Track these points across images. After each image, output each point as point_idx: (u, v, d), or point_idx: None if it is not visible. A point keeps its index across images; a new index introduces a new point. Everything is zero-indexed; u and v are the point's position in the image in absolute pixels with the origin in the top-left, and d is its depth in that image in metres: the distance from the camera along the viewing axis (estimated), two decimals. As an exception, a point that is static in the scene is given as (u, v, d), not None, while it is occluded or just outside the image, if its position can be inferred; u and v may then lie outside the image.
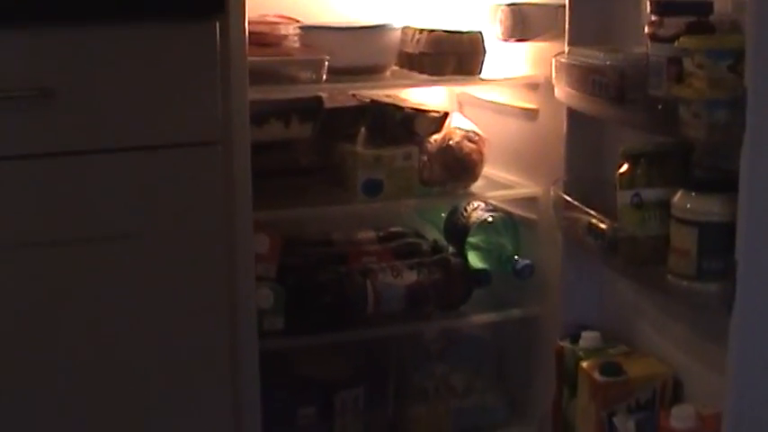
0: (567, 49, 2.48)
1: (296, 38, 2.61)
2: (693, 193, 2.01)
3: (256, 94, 2.36)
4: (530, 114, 2.73)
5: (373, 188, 2.62)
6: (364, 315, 2.64)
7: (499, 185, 2.81)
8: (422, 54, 2.65)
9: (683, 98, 1.96)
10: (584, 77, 2.26)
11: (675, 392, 2.30)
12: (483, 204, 2.84)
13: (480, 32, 2.68)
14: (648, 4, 2.09)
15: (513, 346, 2.84)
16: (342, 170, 2.67)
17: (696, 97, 1.93)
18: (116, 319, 2.22)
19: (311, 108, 2.63)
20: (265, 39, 2.54)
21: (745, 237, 1.92)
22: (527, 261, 2.72)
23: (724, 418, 1.99)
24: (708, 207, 1.98)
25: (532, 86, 2.71)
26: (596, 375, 2.29)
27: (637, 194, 2.13)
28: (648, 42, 2.09)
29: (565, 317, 2.61)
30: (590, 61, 2.23)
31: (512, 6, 2.68)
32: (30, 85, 2.09)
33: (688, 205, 2.01)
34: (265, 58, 2.47)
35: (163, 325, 2.25)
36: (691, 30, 2.02)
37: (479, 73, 2.69)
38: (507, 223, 2.81)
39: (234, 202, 2.31)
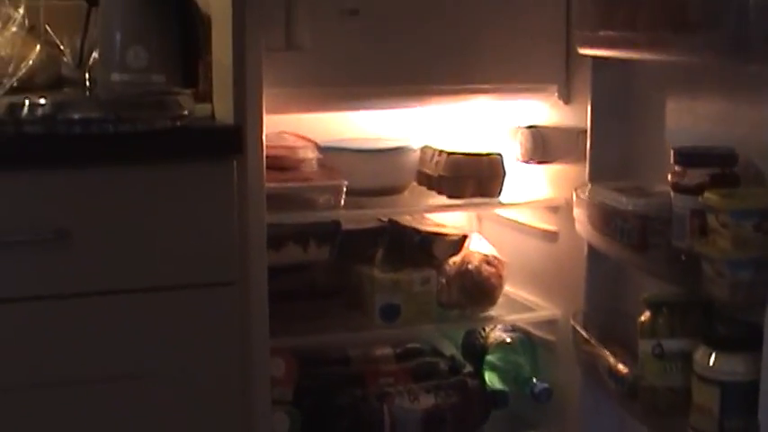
0: (587, 178, 2.44)
1: (314, 160, 2.58)
2: (715, 351, 1.97)
3: (274, 219, 2.33)
4: (549, 236, 2.71)
5: (391, 313, 2.61)
6: (381, 439, 2.60)
7: (518, 305, 2.78)
8: (441, 177, 2.63)
9: (706, 255, 1.92)
10: (606, 219, 2.24)
11: None
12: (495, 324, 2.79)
13: (500, 154, 2.66)
14: (672, 153, 2.06)
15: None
16: (360, 293, 2.65)
17: (719, 256, 1.89)
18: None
19: (329, 231, 2.62)
20: (284, 163, 2.53)
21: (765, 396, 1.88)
22: (545, 385, 2.70)
23: None
24: (731, 366, 1.95)
25: (552, 209, 2.67)
26: None
27: (658, 345, 2.11)
28: (672, 192, 2.06)
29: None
30: (612, 204, 2.20)
31: (532, 129, 2.67)
32: (46, 227, 2.08)
33: (710, 363, 1.98)
34: (284, 185, 2.46)
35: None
36: (714, 183, 2.00)
37: (499, 195, 2.67)
38: (525, 344, 2.79)
39: (250, 332, 2.28)
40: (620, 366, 2.25)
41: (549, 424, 2.74)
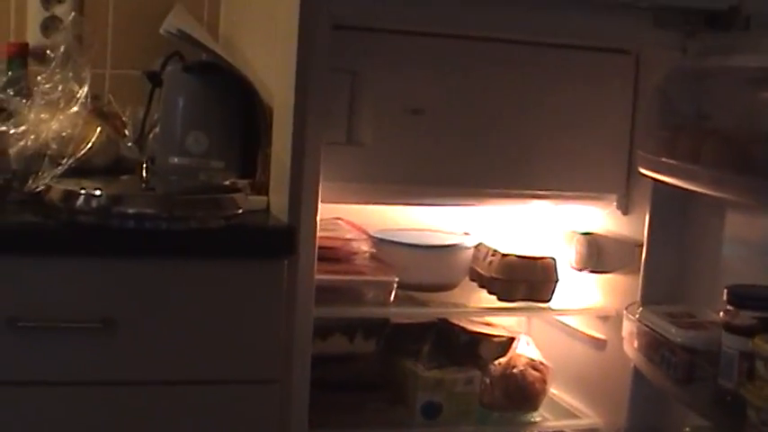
0: (639, 293, 2.41)
1: (367, 252, 2.58)
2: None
3: (322, 313, 2.34)
4: (598, 344, 2.69)
5: (432, 411, 2.60)
6: None
7: (560, 410, 2.77)
8: (493, 278, 2.61)
9: (751, 401, 1.90)
10: (653, 346, 2.22)
11: None
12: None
13: (554, 259, 2.64)
14: (725, 292, 2.03)
15: None
16: (402, 388, 2.65)
17: (765, 405, 1.86)
18: None
19: (377, 325, 2.62)
20: (336, 254, 2.53)
21: None
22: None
23: None
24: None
25: (602, 318, 2.65)
26: None
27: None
28: (723, 331, 2.03)
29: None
30: (661, 332, 2.18)
31: (588, 236, 2.65)
32: (94, 315, 2.10)
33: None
34: (333, 278, 2.46)
35: None
36: (766, 327, 1.96)
37: (550, 299, 2.64)
38: (567, 449, 2.75)
39: (289, 424, 2.28)
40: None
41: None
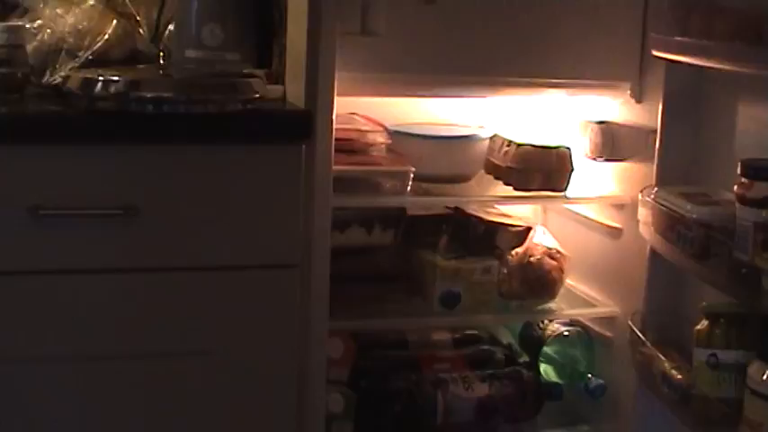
0: (654, 179, 2.43)
1: (383, 144, 2.59)
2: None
3: (340, 202, 2.36)
4: (614, 232, 2.71)
5: (451, 300, 2.62)
6: (433, 426, 2.64)
7: (578, 300, 2.79)
8: (509, 168, 2.63)
9: (766, 270, 1.92)
10: (669, 225, 2.24)
11: None
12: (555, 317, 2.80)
13: (569, 148, 2.65)
14: (739, 165, 2.05)
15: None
16: (421, 279, 2.67)
17: (775, 274, 1.89)
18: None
19: (394, 216, 2.63)
20: (353, 146, 2.54)
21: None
22: (600, 381, 2.72)
23: None
24: (785, 384, 1.94)
25: (618, 206, 2.67)
26: None
27: (713, 355, 2.11)
28: (737, 204, 2.05)
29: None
30: (676, 210, 2.20)
31: (602, 125, 2.65)
32: (115, 202, 2.12)
33: (764, 378, 1.97)
34: (351, 169, 2.47)
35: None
36: (781, 199, 1.98)
37: (566, 189, 2.66)
38: (583, 339, 2.80)
39: (310, 314, 2.30)
40: (674, 372, 2.26)
41: (601, 420, 2.75)
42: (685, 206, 2.19)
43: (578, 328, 2.82)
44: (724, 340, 2.12)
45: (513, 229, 2.72)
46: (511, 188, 2.69)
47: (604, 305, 2.76)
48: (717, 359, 2.11)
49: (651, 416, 2.55)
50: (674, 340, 2.42)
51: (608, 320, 2.75)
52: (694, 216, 2.16)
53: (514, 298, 2.71)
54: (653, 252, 2.46)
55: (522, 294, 2.70)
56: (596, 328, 2.81)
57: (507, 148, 2.67)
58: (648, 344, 2.36)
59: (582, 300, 2.80)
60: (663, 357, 2.32)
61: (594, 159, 2.69)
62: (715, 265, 2.12)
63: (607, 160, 2.68)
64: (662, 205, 2.28)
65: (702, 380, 2.14)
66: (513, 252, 2.71)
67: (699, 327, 2.16)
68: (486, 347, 2.85)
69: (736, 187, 2.07)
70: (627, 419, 2.66)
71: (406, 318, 2.65)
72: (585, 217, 2.81)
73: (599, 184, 2.72)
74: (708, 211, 2.16)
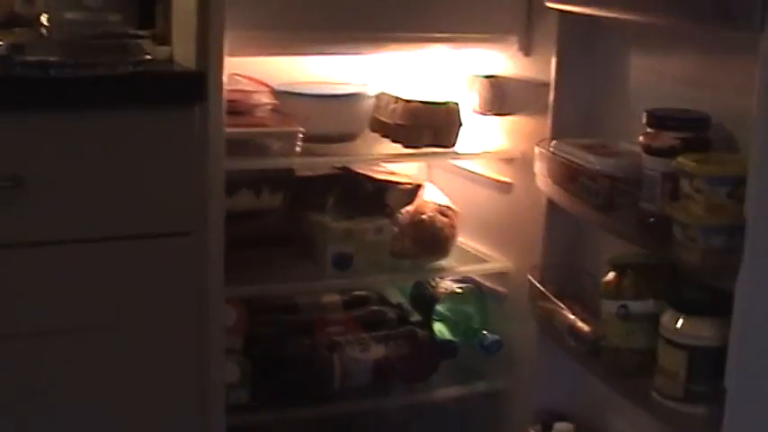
0: (549, 132, 2.42)
1: (269, 105, 2.52)
2: (683, 315, 1.96)
3: (230, 165, 2.29)
4: (504, 187, 2.69)
5: (343, 262, 2.57)
6: (331, 390, 2.59)
7: (470, 257, 2.76)
8: (397, 125, 2.58)
9: (677, 219, 1.91)
10: (570, 177, 2.22)
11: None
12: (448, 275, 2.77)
13: (457, 104, 2.61)
14: (644, 115, 2.03)
15: (481, 421, 2.78)
16: (311, 242, 2.61)
17: (692, 222, 1.88)
18: (88, 406, 2.18)
19: (282, 178, 2.56)
20: (239, 107, 2.46)
21: (737, 364, 1.88)
22: (496, 337, 2.69)
23: None
24: (698, 331, 1.96)
25: (507, 160, 2.65)
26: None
27: (623, 306, 2.10)
28: (643, 154, 2.04)
29: (535, 399, 2.56)
30: (578, 161, 2.18)
31: (492, 79, 2.62)
32: (1, 174, 1.98)
33: (677, 327, 1.97)
34: (239, 130, 2.40)
35: (136, 405, 2.22)
36: (687, 147, 1.98)
37: (454, 144, 2.62)
38: (476, 295, 2.78)
39: (207, 282, 2.24)
40: (581, 325, 2.24)
41: (497, 376, 2.73)
42: (588, 158, 2.17)
43: (471, 286, 2.79)
44: (633, 291, 2.11)
45: (403, 186, 2.68)
46: (399, 146, 2.61)
47: (497, 261, 2.74)
48: (627, 310, 2.10)
49: (552, 371, 2.53)
50: (574, 294, 2.40)
51: (501, 276, 2.74)
52: (598, 167, 2.14)
53: (407, 257, 2.67)
54: (550, 205, 2.45)
55: (415, 253, 2.67)
56: (489, 284, 2.79)
57: (395, 105, 2.62)
58: (551, 296, 2.33)
59: (474, 256, 2.77)
60: (567, 310, 2.30)
61: (483, 114, 2.66)
62: (621, 215, 2.10)
63: (496, 115, 2.65)
64: (562, 157, 2.24)
65: (613, 331, 2.12)
66: (404, 210, 2.66)
67: (606, 278, 2.15)
68: (377, 308, 2.81)
69: (641, 137, 2.07)
70: (524, 375, 2.66)
71: (299, 282, 2.59)
72: (475, 173, 2.79)
73: (488, 139, 2.68)
74: (612, 162, 2.14)
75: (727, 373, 1.89)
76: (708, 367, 1.94)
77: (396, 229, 2.63)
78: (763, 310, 1.88)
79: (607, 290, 2.13)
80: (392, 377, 2.64)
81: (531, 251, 2.58)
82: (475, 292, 2.77)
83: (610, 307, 2.12)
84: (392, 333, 2.68)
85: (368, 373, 2.61)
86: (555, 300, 2.32)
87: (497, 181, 2.70)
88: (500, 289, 2.74)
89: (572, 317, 2.27)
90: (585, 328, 2.21)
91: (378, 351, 2.63)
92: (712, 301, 1.96)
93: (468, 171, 2.79)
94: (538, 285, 2.39)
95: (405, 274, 2.72)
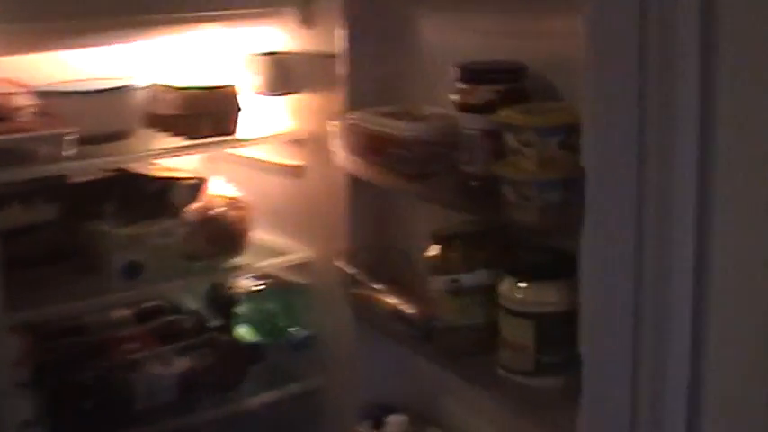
0: (345, 106, 2.24)
1: (31, 107, 2.25)
2: (524, 282, 1.80)
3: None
4: (295, 171, 2.51)
5: (133, 271, 2.35)
6: (134, 412, 2.36)
7: (266, 251, 2.56)
8: (174, 116, 2.36)
9: (507, 178, 1.74)
10: (376, 148, 2.05)
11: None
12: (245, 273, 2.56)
13: (234, 86, 2.39)
14: (455, 71, 1.87)
15: (300, 425, 2.58)
16: (94, 253, 2.37)
17: (524, 178, 1.72)
18: None
19: (55, 187, 2.31)
20: (-4, 113, 2.19)
21: (590, 327, 1.73)
22: (305, 333, 2.52)
23: None
24: (543, 297, 1.81)
25: (297, 142, 2.45)
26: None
27: (454, 280, 1.93)
28: (459, 113, 1.87)
29: (358, 395, 2.40)
30: (386, 130, 2.00)
31: (272, 57, 2.42)
32: None
33: (520, 295, 1.80)
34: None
35: None
36: (505, 100, 1.82)
37: (235, 131, 2.40)
38: (277, 291, 2.59)
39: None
40: (407, 307, 2.06)
41: (312, 374, 2.54)
42: (397, 125, 2.00)
43: (270, 281, 2.58)
44: (463, 263, 1.95)
45: (187, 182, 2.47)
46: (179, 139, 2.38)
47: (296, 251, 2.54)
48: (459, 284, 1.94)
49: (374, 361, 2.36)
50: (388, 276, 2.22)
51: (302, 267, 2.54)
52: (409, 134, 1.97)
53: (201, 258, 2.47)
54: (352, 183, 2.27)
55: (209, 252, 2.46)
56: (290, 278, 2.58)
57: (169, 96, 2.40)
58: (369, 282, 2.15)
59: (271, 250, 2.57)
60: (387, 294, 2.12)
61: (267, 95, 2.45)
62: (440, 182, 1.93)
63: (281, 94, 2.46)
64: (366, 128, 2.06)
65: (446, 309, 1.97)
66: (192, 208, 2.43)
67: (430, 253, 1.97)
68: (172, 318, 2.59)
69: (455, 95, 1.90)
70: (342, 370, 2.46)
71: (87, 299, 2.33)
72: (262, 160, 2.59)
73: (274, 122, 2.49)
74: (424, 126, 1.98)
75: (581, 339, 1.74)
76: (557, 335, 1.81)
77: (185, 230, 2.39)
78: (610, 265, 1.73)
79: (433, 265, 1.96)
80: (200, 390, 2.43)
81: (334, 236, 2.42)
82: (276, 288, 2.56)
83: (439, 283, 1.96)
84: (193, 342, 2.47)
85: (173, 388, 2.41)
86: (373, 284, 2.13)
87: (287, 166, 2.52)
88: (303, 281, 2.53)
89: (394, 300, 2.08)
90: (413, 310, 2.03)
91: (181, 364, 2.42)
92: (553, 263, 1.81)
93: (255, 159, 2.59)
94: (350, 271, 2.20)
95: (200, 277, 2.49)
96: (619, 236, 1.73)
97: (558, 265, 1.81)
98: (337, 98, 2.29)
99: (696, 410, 1.78)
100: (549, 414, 1.92)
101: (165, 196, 2.43)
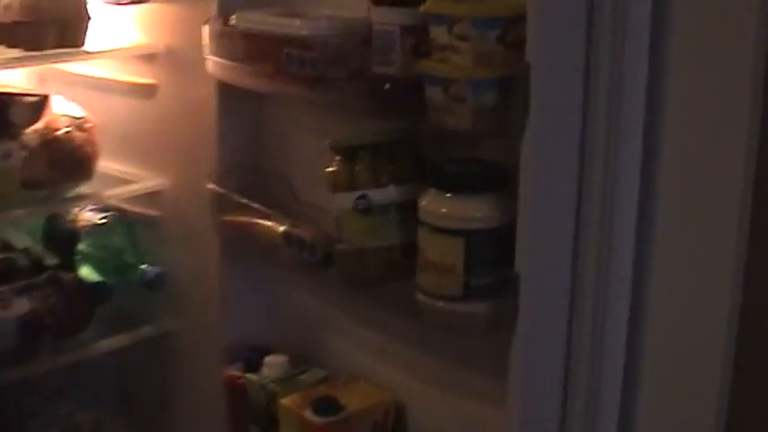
0: (215, 11, 1.97)
1: None
2: (451, 195, 1.60)
3: None
4: (146, 91, 2.25)
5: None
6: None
7: (111, 180, 2.29)
8: (14, 24, 2.07)
9: (437, 77, 1.54)
10: (267, 52, 1.80)
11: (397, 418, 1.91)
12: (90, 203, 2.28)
13: (82, -7, 2.12)
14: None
15: (153, 373, 2.32)
16: None
17: (459, 76, 1.52)
18: None
19: None
20: None
21: (528, 243, 1.54)
22: (157, 269, 2.25)
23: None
24: (474, 211, 1.61)
25: (148, 58, 2.19)
26: (310, 416, 1.86)
27: (362, 197, 1.71)
28: (372, 7, 1.66)
29: (225, 335, 2.14)
30: (279, 30, 1.77)
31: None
32: None
33: (446, 210, 1.60)
34: None
35: None
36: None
37: (84, 44, 2.13)
38: (124, 224, 2.33)
39: None
40: (301, 230, 1.83)
41: (166, 315, 2.29)
42: (293, 23, 1.75)
43: (115, 213, 2.32)
44: (372, 177, 1.74)
45: (28, 99, 2.18)
46: (18, 51, 2.10)
47: (147, 179, 2.26)
48: (368, 201, 1.71)
49: (244, 297, 2.14)
50: (261, 200, 1.98)
51: (153, 197, 2.27)
52: (308, 32, 1.74)
53: (42, 185, 2.19)
54: (223, 100, 2.02)
55: (52, 178, 2.19)
56: (137, 210, 2.31)
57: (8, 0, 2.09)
58: (255, 205, 1.92)
59: (116, 179, 2.29)
60: (270, 218, 1.89)
61: (116, 4, 2.19)
62: (345, 86, 1.70)
63: (131, 3, 2.19)
64: (253, 30, 1.82)
65: (352, 230, 1.75)
66: (33, 129, 2.14)
67: (332, 168, 1.75)
68: (2, 256, 2.27)
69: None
70: (201, 308, 2.24)
71: None
72: (107, 78, 2.31)
73: (121, 35, 2.23)
74: (326, 24, 1.74)
75: (517, 258, 1.55)
76: (488, 255, 1.61)
77: (25, 153, 2.10)
78: (553, 175, 1.54)
79: (336, 182, 1.75)
80: (42, 333, 2.15)
81: (190, 163, 2.21)
82: (122, 220, 2.33)
83: (343, 201, 1.74)
84: (34, 282, 2.20)
85: (13, 333, 2.14)
86: (253, 207, 1.89)
87: (137, 85, 2.25)
88: (153, 213, 2.28)
89: (281, 224, 1.85)
90: (308, 233, 1.80)
91: (21, 306, 2.15)
92: (481, 175, 1.62)
93: (97, 78, 2.31)
94: (221, 190, 1.96)
95: (40, 208, 2.21)
96: (563, 142, 1.55)
97: (486, 178, 1.61)
98: (197, 7, 2.01)
99: (637, 332, 1.65)
100: (458, 345, 1.74)
101: (4, 114, 2.14)
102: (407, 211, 1.70)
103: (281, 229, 1.87)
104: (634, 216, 1.60)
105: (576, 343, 1.64)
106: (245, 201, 1.96)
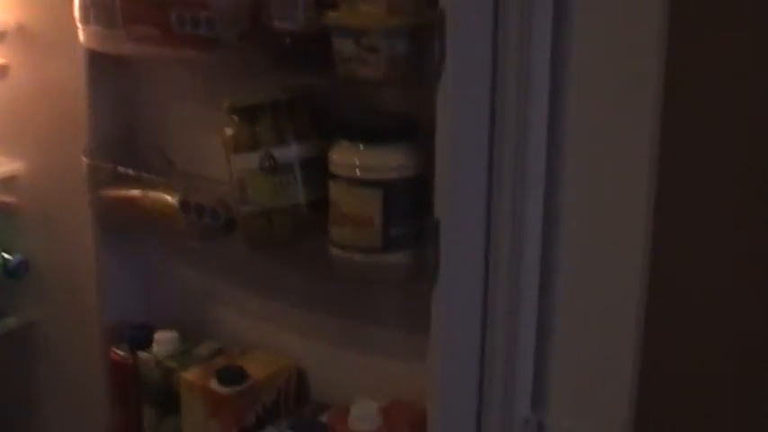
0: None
1: None
2: (362, 146, 1.60)
3: None
4: (-3, 71, 2.14)
5: None
6: None
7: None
8: None
9: (348, 28, 1.53)
10: (153, 13, 1.75)
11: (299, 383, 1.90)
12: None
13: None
14: None
15: (20, 364, 2.23)
16: None
17: (374, 26, 1.52)
18: None
19: None
20: None
21: (447, 191, 1.55)
22: (19, 257, 2.17)
23: (430, 404, 1.66)
24: (390, 161, 1.60)
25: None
26: (216, 386, 1.82)
27: (267, 156, 1.68)
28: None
29: (102, 316, 2.07)
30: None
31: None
32: None
33: (362, 161, 1.59)
34: None
35: None
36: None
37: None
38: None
39: None
40: (199, 197, 1.79)
41: (31, 305, 2.20)
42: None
43: (-33, 202, 2.21)
44: (275, 134, 1.71)
45: None
46: None
47: (1, 164, 2.17)
48: (273, 160, 1.68)
49: (119, 275, 2.08)
50: (142, 168, 1.93)
51: (8, 183, 2.18)
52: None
53: None
54: (93, 69, 1.95)
55: None
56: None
57: None
58: (143, 174, 1.87)
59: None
60: (157, 188, 1.85)
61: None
62: (240, 43, 1.67)
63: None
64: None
65: (257, 190, 1.71)
66: None
67: (229, 131, 1.71)
68: None
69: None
70: (69, 293, 2.18)
71: None
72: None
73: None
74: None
75: (436, 207, 1.55)
76: (406, 205, 1.61)
77: None
78: (468, 122, 1.56)
79: (237, 143, 1.72)
80: None
81: (49, 145, 2.14)
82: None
83: (247, 162, 1.71)
84: None
85: None
86: (149, 177, 1.85)
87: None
88: (9, 199, 2.18)
89: (177, 194, 1.81)
90: (208, 199, 1.76)
91: None
92: (392, 126, 1.62)
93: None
94: (112, 167, 1.90)
95: None
96: (477, 89, 1.56)
97: (399, 128, 1.61)
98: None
99: (550, 277, 1.68)
100: (365, 303, 1.74)
101: None
102: (311, 169, 1.67)
103: (176, 197, 1.81)
104: (544, 159, 1.62)
105: (493, 292, 1.64)
106: (130, 171, 1.88)
